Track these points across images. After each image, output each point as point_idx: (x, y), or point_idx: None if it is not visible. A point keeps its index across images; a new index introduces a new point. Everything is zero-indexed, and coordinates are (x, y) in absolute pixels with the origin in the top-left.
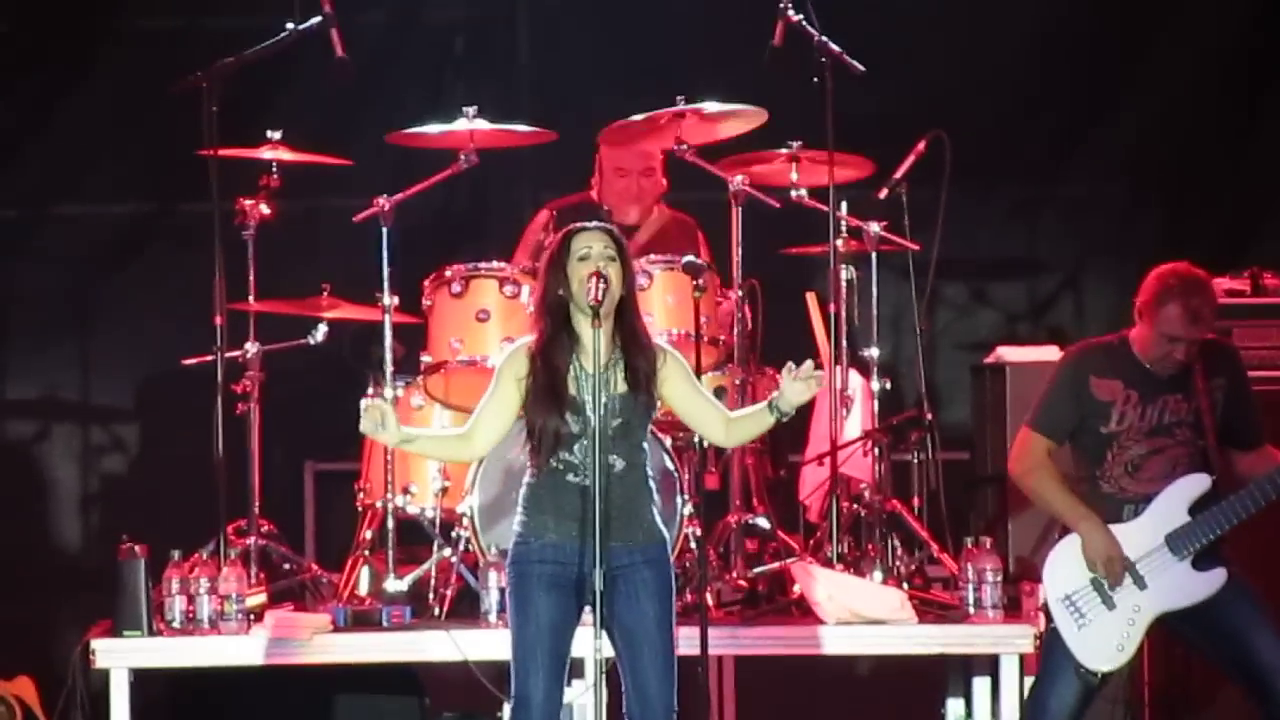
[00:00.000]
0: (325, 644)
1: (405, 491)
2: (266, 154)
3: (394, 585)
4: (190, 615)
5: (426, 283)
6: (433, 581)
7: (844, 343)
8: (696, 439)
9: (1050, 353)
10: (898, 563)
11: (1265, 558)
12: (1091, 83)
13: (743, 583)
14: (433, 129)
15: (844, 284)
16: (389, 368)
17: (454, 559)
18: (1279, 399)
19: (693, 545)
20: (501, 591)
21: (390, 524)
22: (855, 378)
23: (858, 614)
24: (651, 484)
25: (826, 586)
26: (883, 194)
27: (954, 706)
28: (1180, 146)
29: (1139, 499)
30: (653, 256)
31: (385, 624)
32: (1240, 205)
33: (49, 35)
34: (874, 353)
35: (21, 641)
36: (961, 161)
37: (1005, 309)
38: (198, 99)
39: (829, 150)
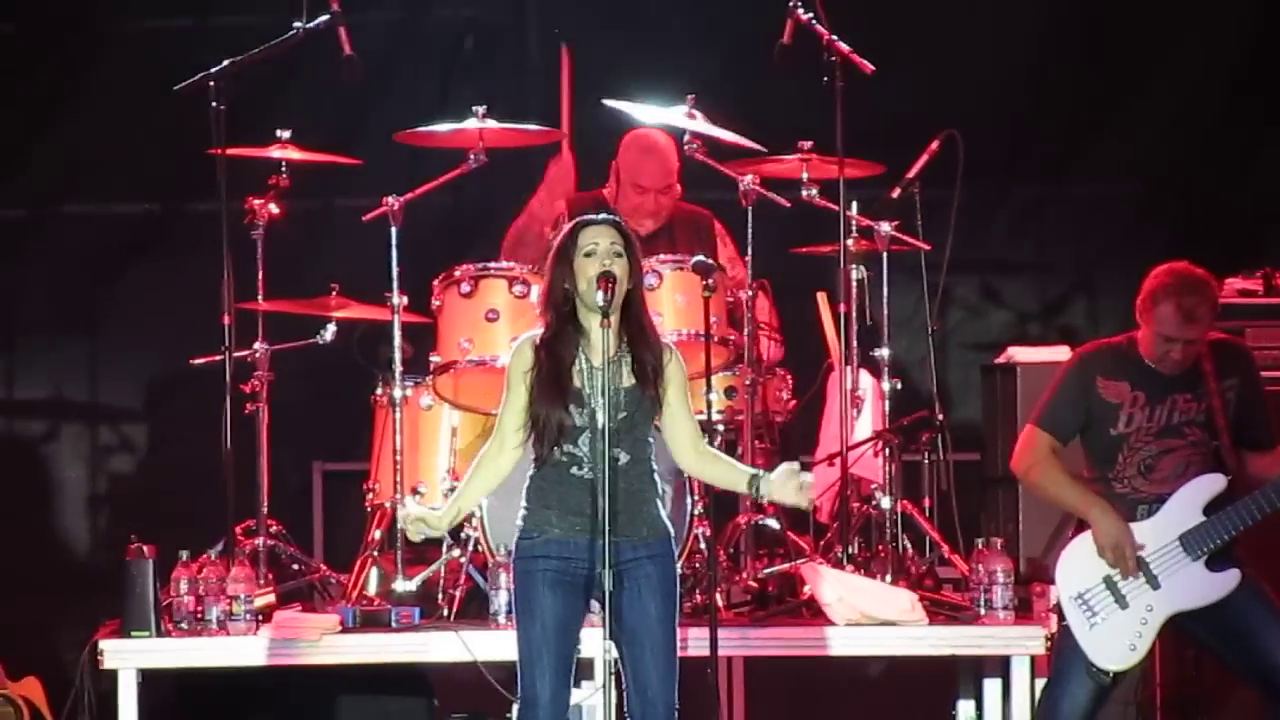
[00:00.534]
0: (333, 644)
1: (414, 492)
2: (275, 153)
3: (403, 586)
4: (198, 616)
5: (436, 282)
6: (442, 582)
7: (855, 343)
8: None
9: (1061, 353)
10: (908, 564)
11: (1278, 558)
12: (1104, 82)
13: (753, 583)
14: (442, 128)
15: (855, 284)
16: (398, 368)
17: (463, 560)
18: None
19: (702, 546)
20: (510, 592)
21: (399, 524)
22: (866, 378)
23: (868, 615)
24: (657, 478)
25: (837, 588)
26: (895, 193)
27: (965, 708)
28: (1193, 146)
29: (1153, 499)
30: (662, 256)
31: (394, 625)
32: (1254, 205)
33: (57, 34)
34: (885, 353)
35: (29, 642)
36: (974, 161)
37: (1017, 309)
38: (206, 98)
39: (840, 154)
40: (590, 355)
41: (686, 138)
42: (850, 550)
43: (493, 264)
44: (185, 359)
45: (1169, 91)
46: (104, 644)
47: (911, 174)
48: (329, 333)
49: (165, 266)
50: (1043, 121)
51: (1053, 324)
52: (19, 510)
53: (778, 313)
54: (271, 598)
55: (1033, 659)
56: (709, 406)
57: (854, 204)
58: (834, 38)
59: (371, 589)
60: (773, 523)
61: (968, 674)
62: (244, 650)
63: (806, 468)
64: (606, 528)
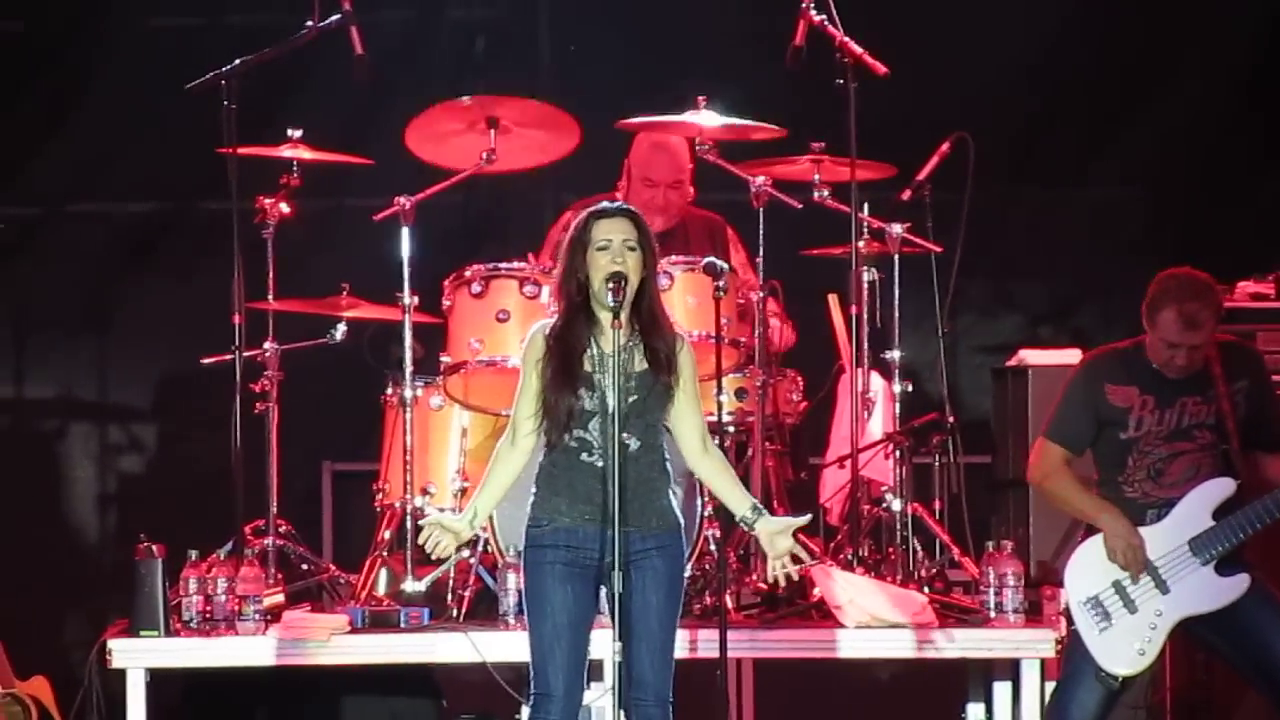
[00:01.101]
0: (342, 645)
1: (424, 492)
2: (286, 153)
3: (412, 586)
4: (207, 615)
5: (446, 283)
6: (451, 583)
7: (865, 345)
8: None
9: (1073, 355)
10: (918, 566)
11: None
12: (1116, 84)
13: (762, 585)
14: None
15: (866, 286)
16: (408, 368)
17: (472, 560)
18: None
19: (712, 547)
20: (519, 593)
21: (409, 524)
22: (877, 380)
23: (878, 618)
24: (669, 467)
25: (847, 590)
26: (906, 195)
27: (974, 711)
28: (1205, 149)
29: (1162, 503)
30: (674, 258)
31: (403, 625)
32: (1266, 208)
33: (67, 33)
34: (895, 355)
35: (38, 641)
36: (985, 163)
37: (1028, 311)
38: (217, 97)
39: (851, 156)
40: (602, 343)
41: (699, 140)
42: (860, 552)
43: (503, 264)
44: (195, 358)
45: (1181, 94)
46: (112, 643)
47: (922, 176)
48: (339, 332)
49: (176, 266)
50: (1054, 124)
51: (1064, 326)
52: (28, 509)
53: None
54: (280, 598)
55: (1043, 662)
56: (719, 408)
57: (865, 206)
58: (846, 39)
59: (380, 589)
60: None
61: (978, 677)
62: (253, 650)
63: (807, 553)
64: (616, 530)
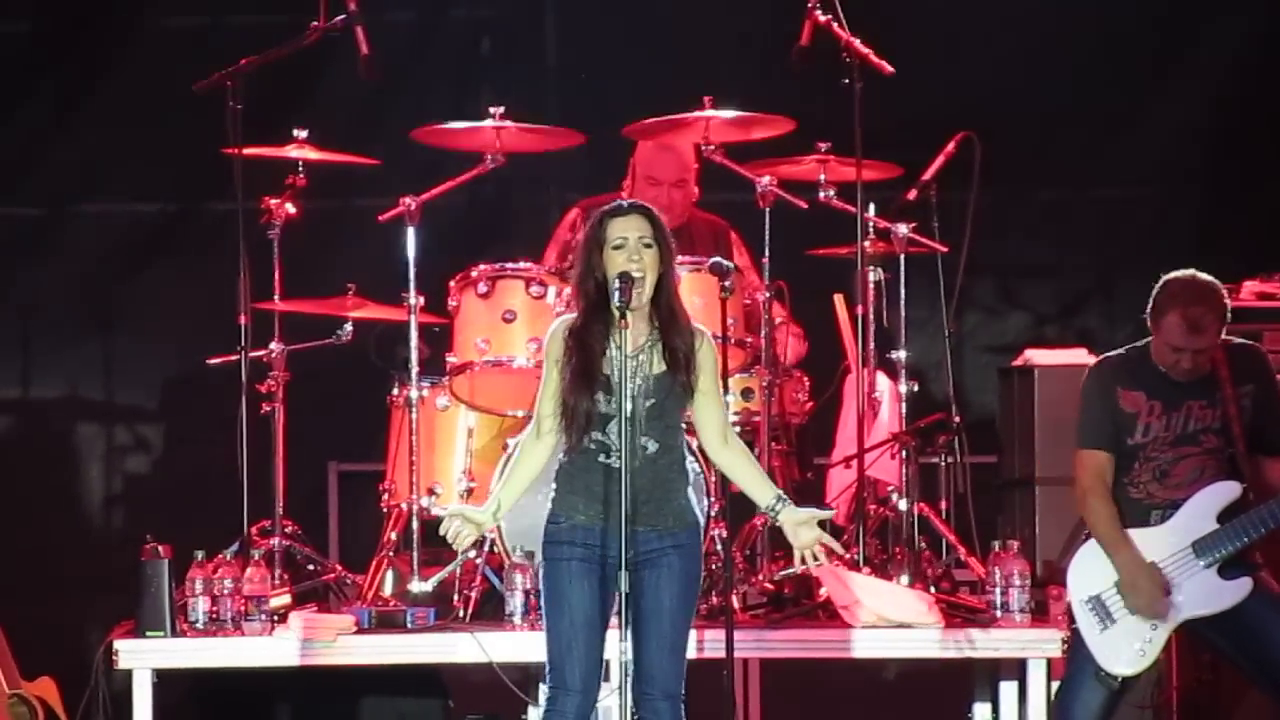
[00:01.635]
0: (349, 645)
1: (430, 492)
2: (292, 153)
3: (418, 587)
4: (214, 616)
5: (452, 283)
6: (457, 583)
7: (872, 345)
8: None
9: (1079, 355)
10: (925, 566)
11: None
12: (1123, 84)
13: (769, 585)
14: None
15: (872, 286)
16: (414, 368)
17: (479, 560)
18: None
19: (718, 547)
20: (526, 594)
21: (415, 525)
22: (883, 380)
23: (884, 617)
24: (688, 467)
25: (853, 590)
26: (912, 195)
27: (980, 711)
28: (1212, 149)
29: (1167, 504)
30: (680, 258)
31: (409, 625)
32: (1273, 207)
33: (73, 34)
34: (902, 355)
35: (44, 642)
36: (991, 163)
37: (1034, 311)
38: (223, 97)
39: (857, 156)
40: (625, 341)
41: (705, 141)
42: (867, 552)
43: (509, 264)
44: (201, 359)
45: (1187, 94)
46: (119, 644)
47: (928, 176)
48: (345, 333)
49: (182, 266)
50: (1060, 124)
51: (1070, 326)
52: (34, 509)
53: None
54: (287, 598)
55: (1049, 662)
56: (726, 408)
57: (871, 206)
58: (852, 39)
59: (387, 590)
60: None
61: (984, 677)
62: (259, 651)
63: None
64: (624, 529)
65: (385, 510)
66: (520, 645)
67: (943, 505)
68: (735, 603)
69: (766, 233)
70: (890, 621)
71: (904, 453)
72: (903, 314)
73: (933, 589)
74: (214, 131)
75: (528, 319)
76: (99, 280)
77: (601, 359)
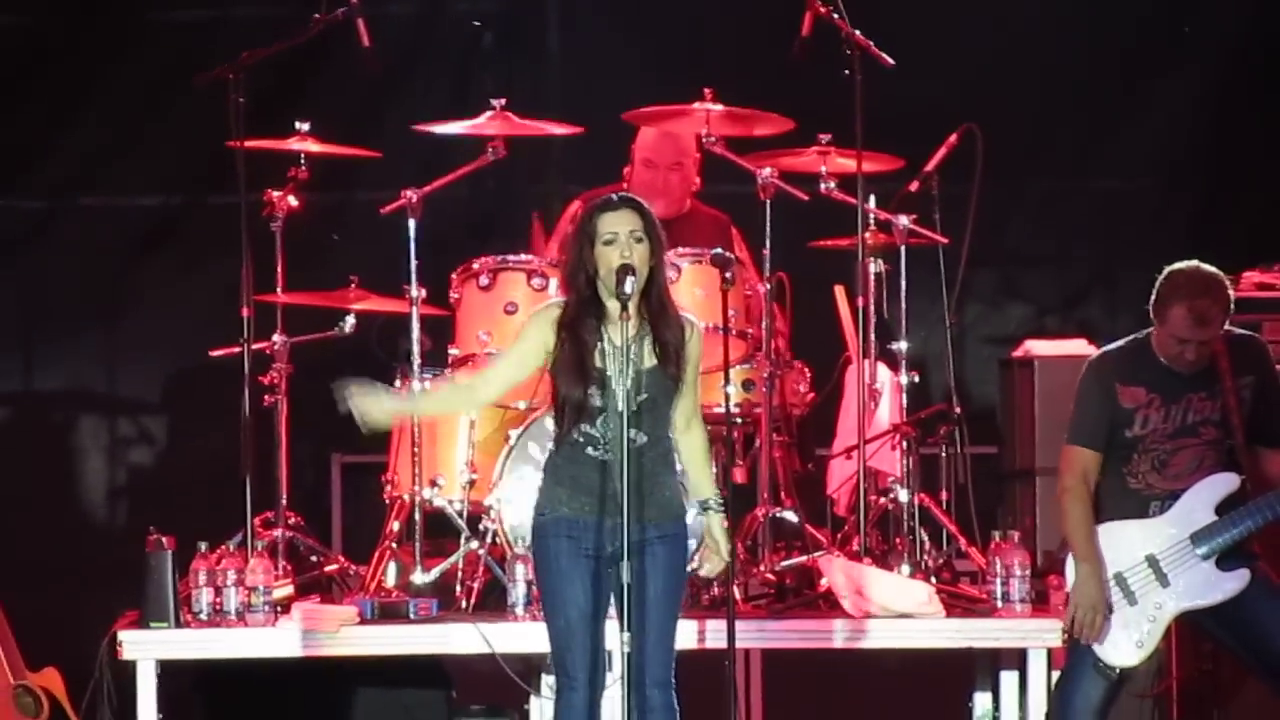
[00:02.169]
0: (352, 636)
1: (433, 484)
2: (294, 146)
3: (421, 578)
4: (217, 607)
5: (454, 275)
6: (460, 574)
7: (872, 336)
8: (725, 431)
9: (1079, 346)
10: (925, 557)
11: None
12: (1124, 76)
13: (770, 576)
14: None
15: (873, 277)
16: (416, 360)
17: (481, 551)
18: None
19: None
20: (528, 585)
21: (417, 516)
22: (884, 371)
23: (885, 608)
24: (675, 457)
25: (854, 580)
26: (914, 187)
27: (981, 701)
28: (1212, 140)
29: (1166, 495)
30: (681, 249)
31: (412, 616)
32: (1273, 198)
33: (76, 27)
34: (902, 346)
35: (48, 633)
36: (993, 155)
37: (1035, 303)
38: (224, 90)
39: (858, 148)
40: (612, 335)
41: (706, 132)
42: (868, 543)
43: (511, 257)
44: (204, 351)
45: (1187, 85)
46: (123, 635)
47: (930, 168)
48: (348, 325)
49: (184, 259)
50: (1062, 116)
51: (1071, 318)
52: (38, 501)
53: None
54: (290, 589)
55: (1049, 652)
56: (727, 399)
57: (872, 198)
58: (854, 31)
59: (390, 581)
60: (790, 515)
61: (984, 667)
62: (262, 642)
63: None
64: (625, 522)
65: (388, 502)
66: (522, 636)
67: (943, 496)
68: (737, 593)
69: (767, 224)
70: (891, 612)
71: (905, 444)
72: (903, 305)
73: (933, 579)
74: (216, 124)
75: (530, 311)
76: (102, 273)
77: (594, 352)
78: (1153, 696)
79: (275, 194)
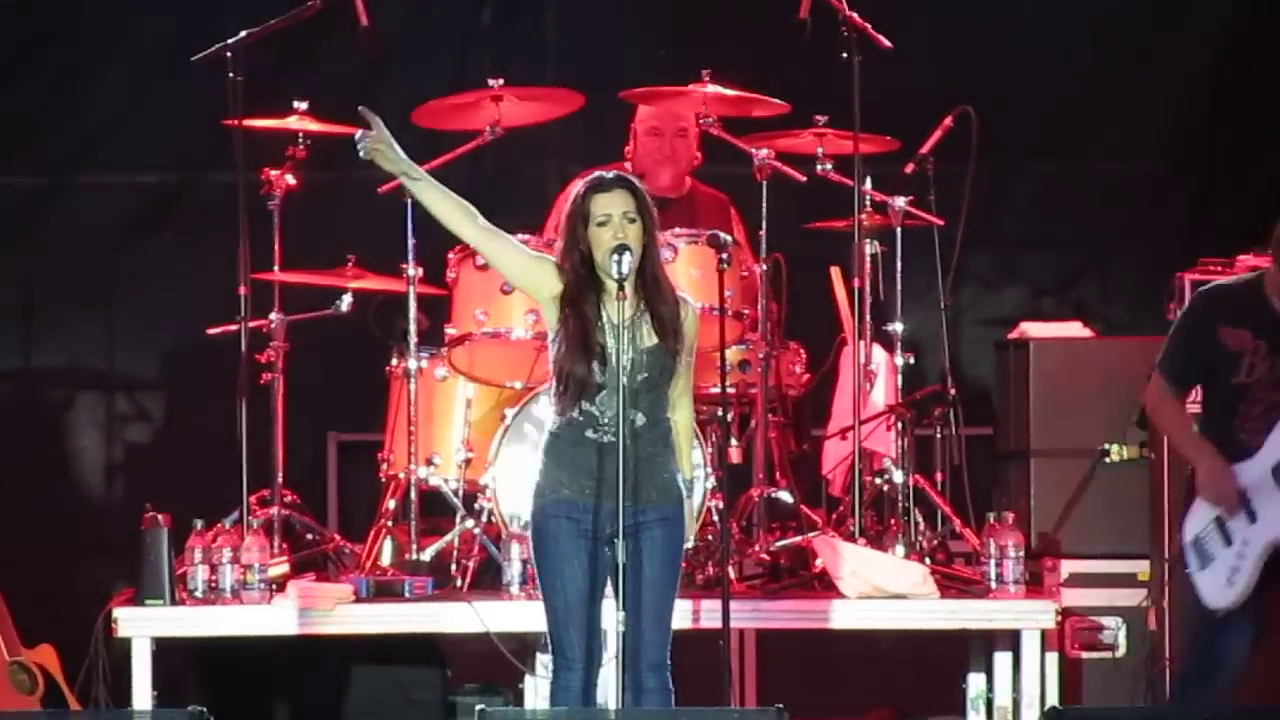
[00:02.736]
0: (347, 615)
1: (429, 463)
2: (292, 124)
3: (416, 556)
4: (213, 585)
5: (451, 255)
6: (455, 553)
7: (868, 317)
8: (720, 412)
9: (1074, 328)
10: (920, 538)
11: None
12: (1120, 58)
13: (765, 556)
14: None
15: (869, 259)
16: (413, 339)
17: (477, 530)
18: None
19: (715, 519)
20: (523, 564)
21: (413, 495)
22: (879, 352)
23: (880, 589)
24: (674, 440)
25: (849, 561)
26: (909, 169)
27: (975, 681)
28: (1208, 122)
29: None
30: (678, 230)
31: (407, 595)
32: (1270, 182)
33: (74, 5)
34: (898, 328)
35: (44, 610)
36: (988, 137)
37: (1031, 284)
38: (223, 69)
39: (855, 129)
40: (611, 314)
41: (703, 113)
42: (862, 524)
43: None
44: (202, 329)
45: (1184, 68)
46: (118, 612)
47: (926, 149)
48: (345, 304)
49: (182, 237)
50: (1057, 98)
51: (1066, 299)
52: (35, 478)
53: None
54: (286, 567)
55: (1043, 633)
56: (723, 380)
57: (868, 179)
58: (851, 12)
59: (385, 559)
60: (786, 496)
61: (978, 648)
62: (258, 620)
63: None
64: (620, 506)
65: (384, 480)
66: (517, 615)
67: (938, 477)
68: (731, 573)
69: (764, 205)
70: (886, 592)
71: (900, 425)
72: (899, 287)
73: (928, 560)
74: (214, 103)
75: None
76: (100, 251)
77: (596, 328)
78: (1147, 679)
79: (273, 172)
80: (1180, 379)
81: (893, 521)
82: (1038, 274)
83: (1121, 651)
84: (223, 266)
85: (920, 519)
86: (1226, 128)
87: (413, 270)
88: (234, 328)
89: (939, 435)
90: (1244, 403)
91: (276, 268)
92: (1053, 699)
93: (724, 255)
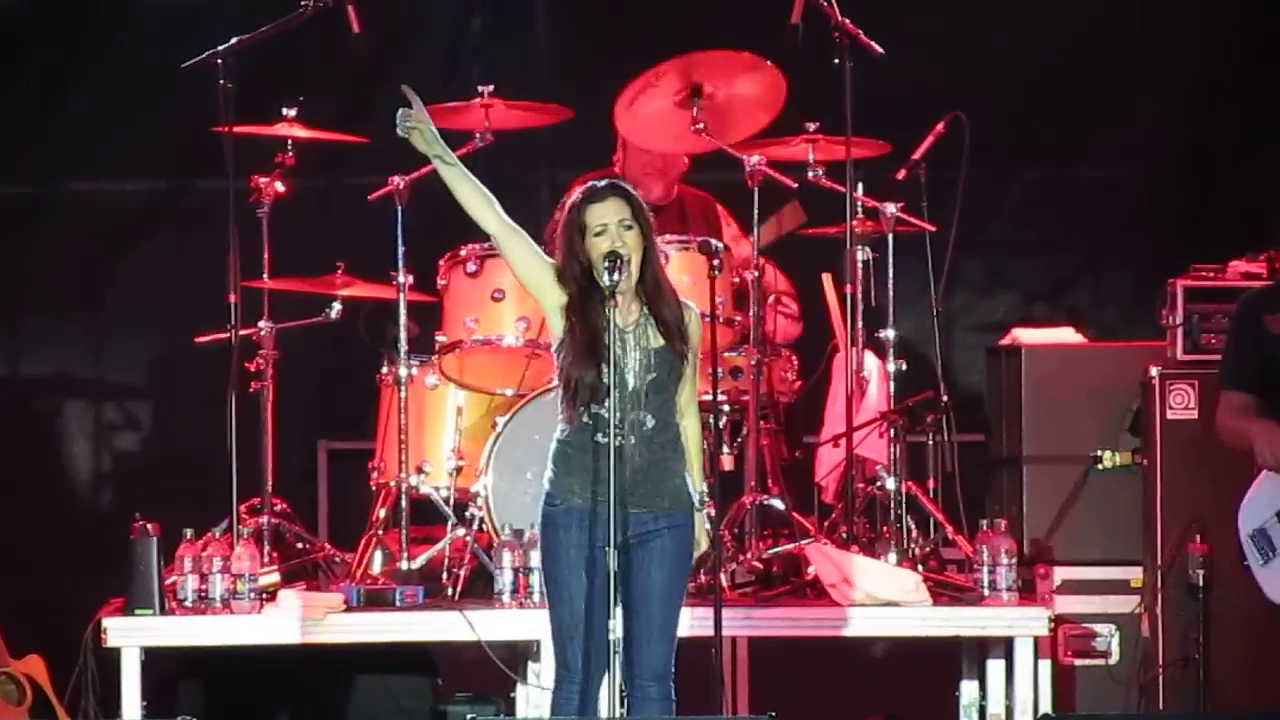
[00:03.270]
0: (338, 623)
1: (419, 471)
2: (282, 131)
3: (407, 565)
4: (202, 594)
5: (441, 262)
6: (446, 561)
7: (860, 323)
8: (712, 419)
9: (1066, 334)
10: (913, 545)
11: None
12: (1110, 63)
13: (757, 564)
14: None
15: (860, 265)
16: (403, 347)
17: (468, 538)
18: None
19: (707, 525)
20: (515, 572)
21: (404, 503)
22: (871, 359)
23: (872, 596)
24: (683, 445)
25: (841, 568)
26: (901, 174)
27: (968, 689)
28: (1199, 128)
29: None
30: (669, 237)
31: (398, 604)
32: (1259, 188)
33: (63, 10)
34: (890, 334)
35: (32, 620)
36: (980, 143)
37: (1022, 290)
38: (213, 75)
39: (847, 135)
40: (615, 318)
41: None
42: (855, 531)
43: None
44: (190, 337)
45: (1174, 73)
46: (107, 622)
47: (917, 155)
48: (335, 311)
49: (171, 244)
50: (1049, 103)
51: (1058, 305)
52: (23, 487)
53: (793, 283)
54: (276, 576)
55: (1036, 640)
56: (715, 386)
57: (860, 185)
58: (843, 18)
59: (376, 568)
60: (778, 503)
61: (971, 655)
62: (248, 629)
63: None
64: (612, 508)
65: (374, 488)
66: (509, 623)
67: (930, 484)
68: (724, 581)
69: (755, 212)
70: (878, 600)
71: (892, 431)
72: (891, 293)
73: (920, 567)
74: (204, 109)
75: (516, 298)
76: (88, 258)
77: (603, 333)
78: (1139, 684)
79: (262, 179)
80: (1245, 381)
81: (885, 529)
82: (1030, 280)
83: (1114, 658)
84: (212, 274)
85: (913, 526)
86: (1216, 133)
87: (403, 277)
88: (223, 336)
89: (931, 442)
90: None
91: (266, 275)
92: (1046, 706)
93: (715, 262)
